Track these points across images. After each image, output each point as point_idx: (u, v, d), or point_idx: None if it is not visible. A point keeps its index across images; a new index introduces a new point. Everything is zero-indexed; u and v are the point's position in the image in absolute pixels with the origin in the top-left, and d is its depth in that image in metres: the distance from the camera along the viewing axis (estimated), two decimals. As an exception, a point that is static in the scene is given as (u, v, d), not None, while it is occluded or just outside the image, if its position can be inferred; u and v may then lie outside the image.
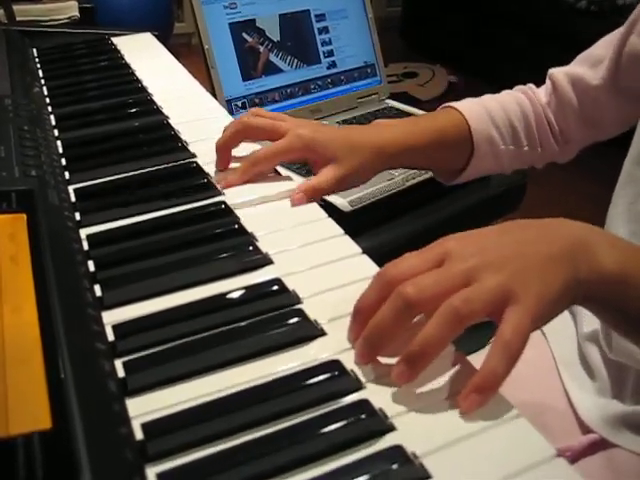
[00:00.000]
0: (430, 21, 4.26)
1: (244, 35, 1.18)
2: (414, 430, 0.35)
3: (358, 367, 0.39)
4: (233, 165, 0.63)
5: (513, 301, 0.38)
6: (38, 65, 0.94)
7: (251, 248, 0.49)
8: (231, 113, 1.14)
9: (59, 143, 0.68)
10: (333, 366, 0.38)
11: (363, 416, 0.35)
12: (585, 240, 0.42)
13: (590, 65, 0.74)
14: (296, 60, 1.26)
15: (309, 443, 0.33)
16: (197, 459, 0.33)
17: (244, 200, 0.57)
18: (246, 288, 0.45)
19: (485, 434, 0.35)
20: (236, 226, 0.51)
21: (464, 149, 0.71)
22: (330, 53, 1.31)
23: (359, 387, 0.37)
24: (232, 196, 0.57)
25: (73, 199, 0.57)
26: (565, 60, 0.77)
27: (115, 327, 0.42)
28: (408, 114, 1.33)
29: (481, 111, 0.72)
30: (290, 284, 0.45)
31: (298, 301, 0.44)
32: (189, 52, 3.96)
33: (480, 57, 3.60)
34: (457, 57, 3.86)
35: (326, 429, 0.34)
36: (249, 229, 0.52)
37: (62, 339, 0.38)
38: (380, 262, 0.50)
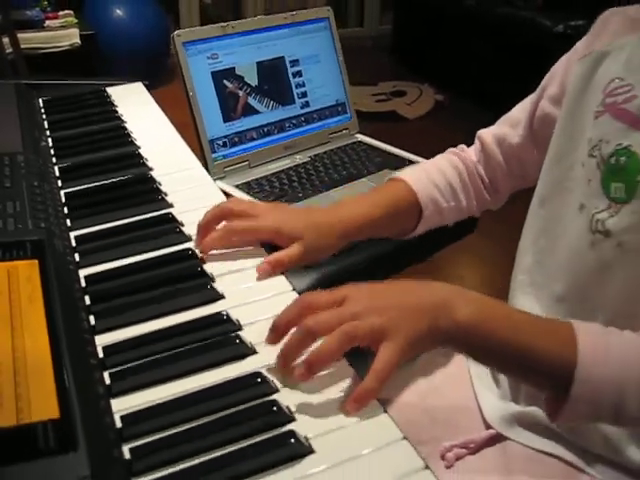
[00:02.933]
0: (420, 40, 4.39)
1: (225, 82, 1.34)
2: (309, 421, 0.50)
3: (274, 376, 0.55)
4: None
5: (387, 338, 0.54)
6: (44, 116, 1.10)
7: (209, 287, 0.65)
8: (213, 152, 1.30)
9: (62, 193, 0.84)
10: (256, 375, 0.54)
11: (274, 409, 0.51)
12: (446, 298, 0.59)
13: (510, 126, 0.89)
14: (272, 102, 1.41)
15: (227, 430, 0.49)
16: (161, 438, 0.49)
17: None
18: (202, 318, 0.61)
19: (368, 448, 0.48)
20: (198, 269, 0.67)
21: (413, 214, 0.85)
22: (304, 94, 1.47)
23: (274, 391, 0.53)
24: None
25: (74, 244, 0.73)
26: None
27: (104, 348, 0.58)
28: (376, 148, 1.48)
29: (424, 178, 0.86)
30: (235, 314, 0.61)
31: (239, 328, 0.60)
32: (185, 73, 4.10)
33: (466, 76, 3.75)
34: (445, 76, 4.01)
35: (241, 417, 0.50)
36: (209, 270, 0.68)
37: (66, 357, 0.53)
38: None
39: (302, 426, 0.50)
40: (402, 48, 4.66)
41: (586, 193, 0.71)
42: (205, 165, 1.29)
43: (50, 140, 1.00)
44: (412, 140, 3.87)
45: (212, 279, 0.67)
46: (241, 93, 1.36)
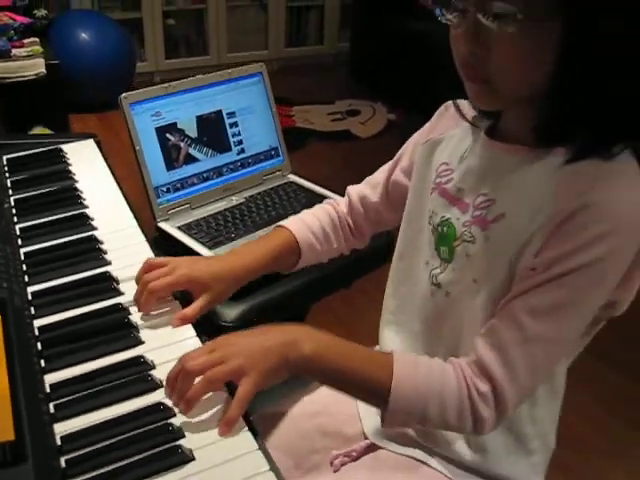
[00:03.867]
0: (375, 59, 4.56)
1: (168, 135, 1.54)
2: (194, 437, 0.71)
3: (173, 404, 0.75)
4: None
5: (245, 375, 0.74)
6: (7, 174, 1.29)
7: (132, 334, 0.85)
8: (158, 197, 1.50)
9: (22, 252, 1.04)
10: (160, 404, 0.75)
11: (170, 429, 0.71)
12: (294, 337, 0.79)
13: (372, 187, 1.11)
14: (211, 150, 1.62)
15: (136, 444, 0.70)
16: (88, 452, 0.69)
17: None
18: (125, 360, 0.82)
19: (232, 455, 0.70)
20: (125, 320, 0.88)
21: (294, 256, 1.07)
22: (240, 142, 1.67)
23: (172, 415, 0.74)
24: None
25: (30, 297, 0.93)
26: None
27: (51, 385, 0.78)
28: (305, 189, 1.68)
29: (304, 227, 1.07)
30: (150, 356, 0.82)
31: (153, 367, 0.81)
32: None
33: (420, 95, 3.94)
34: (399, 94, 4.20)
35: (146, 435, 0.70)
36: (134, 320, 0.88)
37: (20, 392, 0.74)
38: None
39: (189, 441, 0.71)
40: (359, 67, 4.83)
41: (428, 253, 0.93)
42: (151, 208, 1.49)
43: (12, 201, 1.19)
44: (364, 159, 4.11)
45: (136, 328, 0.87)
46: (182, 144, 1.56)
